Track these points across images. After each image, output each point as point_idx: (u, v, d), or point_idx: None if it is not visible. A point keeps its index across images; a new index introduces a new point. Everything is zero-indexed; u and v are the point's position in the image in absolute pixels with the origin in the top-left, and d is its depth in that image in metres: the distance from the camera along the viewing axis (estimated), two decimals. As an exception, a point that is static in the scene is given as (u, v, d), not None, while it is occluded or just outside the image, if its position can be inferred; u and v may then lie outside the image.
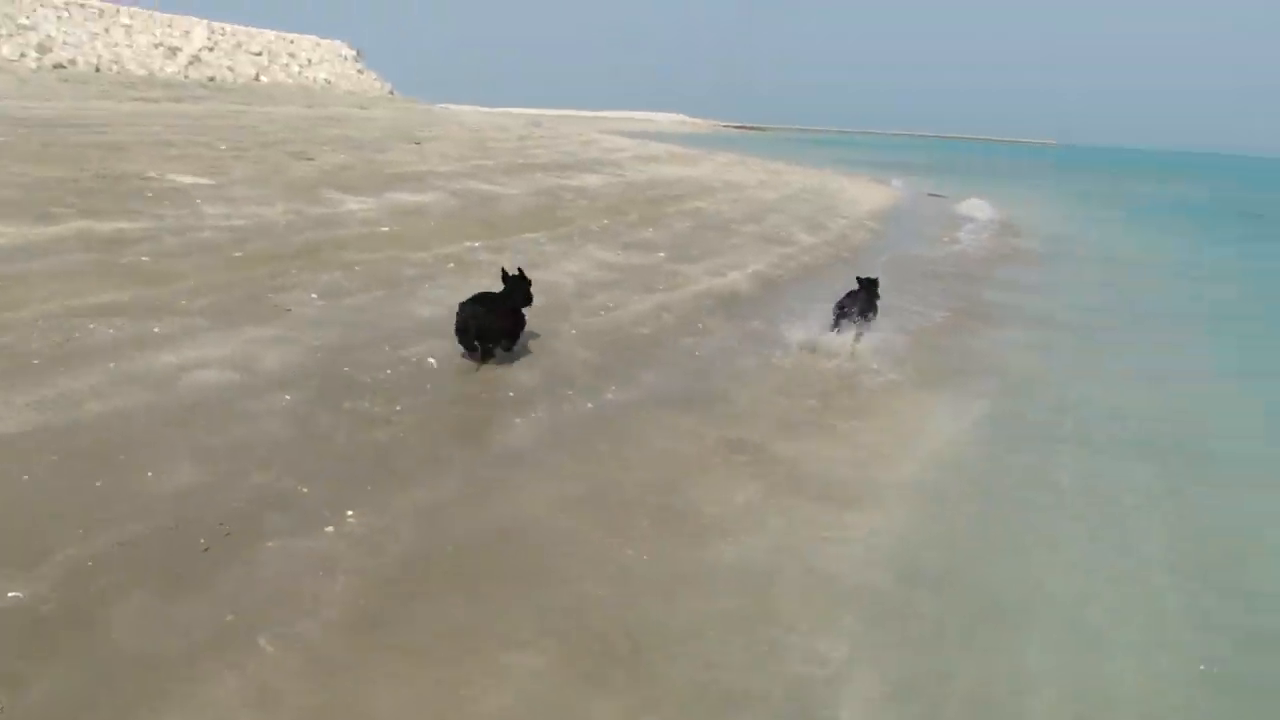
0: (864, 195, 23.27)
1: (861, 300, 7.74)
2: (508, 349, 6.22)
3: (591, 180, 15.88)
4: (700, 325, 8.22)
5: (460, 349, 6.23)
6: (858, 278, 8.08)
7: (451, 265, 8.51)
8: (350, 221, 9.38)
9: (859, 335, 7.59)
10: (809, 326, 7.88)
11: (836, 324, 7.66)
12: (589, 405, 5.98)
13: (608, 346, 7.13)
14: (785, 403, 6.45)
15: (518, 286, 6.22)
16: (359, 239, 8.73)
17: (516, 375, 6.19)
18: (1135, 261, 16.47)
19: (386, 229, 9.36)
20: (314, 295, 6.97)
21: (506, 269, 6.40)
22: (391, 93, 37.97)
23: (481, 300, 5.99)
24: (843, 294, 7.85)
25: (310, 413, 5.08)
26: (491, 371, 6.16)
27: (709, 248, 11.63)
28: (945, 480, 5.42)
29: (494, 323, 5.98)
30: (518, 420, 5.55)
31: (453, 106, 44.85)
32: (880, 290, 7.96)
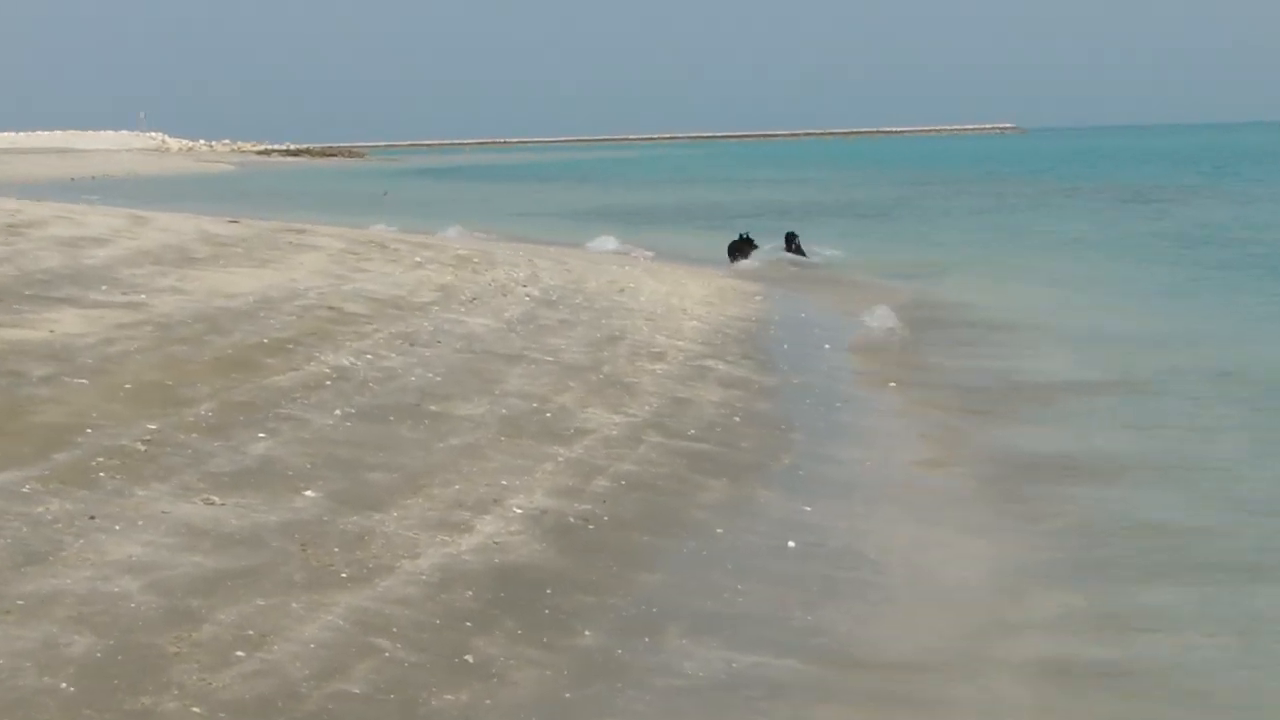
0: (677, 296, 24.99)
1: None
2: None
3: (75, 323, 15.80)
4: (469, 659, 8.53)
5: None
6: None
7: None
8: None
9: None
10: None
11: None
12: None
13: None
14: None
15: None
16: None
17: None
18: None
19: None
20: None
21: None
22: None
23: None
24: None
25: None
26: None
27: (406, 464, 12.11)
28: None
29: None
30: None
31: None
32: None
